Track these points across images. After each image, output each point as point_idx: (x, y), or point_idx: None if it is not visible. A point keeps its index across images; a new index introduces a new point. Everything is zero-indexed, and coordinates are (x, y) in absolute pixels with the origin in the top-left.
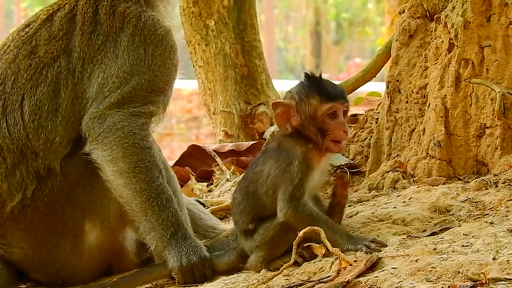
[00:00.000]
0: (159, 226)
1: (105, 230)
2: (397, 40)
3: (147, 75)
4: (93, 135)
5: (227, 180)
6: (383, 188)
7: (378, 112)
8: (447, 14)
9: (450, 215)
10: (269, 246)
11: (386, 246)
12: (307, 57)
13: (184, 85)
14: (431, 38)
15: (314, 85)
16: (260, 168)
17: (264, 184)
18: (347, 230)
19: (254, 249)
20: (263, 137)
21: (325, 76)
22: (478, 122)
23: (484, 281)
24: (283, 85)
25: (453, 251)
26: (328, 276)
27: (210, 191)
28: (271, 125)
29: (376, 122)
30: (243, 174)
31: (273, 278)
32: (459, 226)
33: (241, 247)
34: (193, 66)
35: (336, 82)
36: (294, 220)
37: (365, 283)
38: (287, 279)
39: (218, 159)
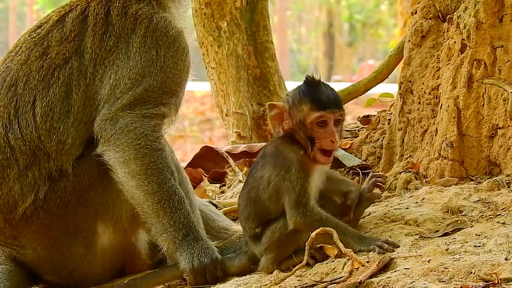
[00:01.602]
0: (171, 227)
1: (117, 232)
2: (409, 41)
3: (159, 76)
4: (105, 136)
5: (240, 181)
6: (395, 189)
7: (391, 113)
8: (460, 15)
9: (462, 215)
10: (277, 247)
11: (399, 246)
12: (320, 59)
13: (197, 87)
14: (444, 39)
15: (308, 90)
16: (260, 173)
17: (266, 190)
18: (358, 232)
19: (264, 252)
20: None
21: (337, 78)
22: (490, 122)
23: (496, 281)
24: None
25: (466, 252)
26: (341, 277)
27: (222, 192)
28: None
29: (389, 123)
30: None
31: (285, 279)
32: (472, 226)
33: (251, 251)
34: (206, 67)
35: (348, 84)
36: (304, 226)
37: (377, 283)
38: (299, 280)
39: (230, 160)
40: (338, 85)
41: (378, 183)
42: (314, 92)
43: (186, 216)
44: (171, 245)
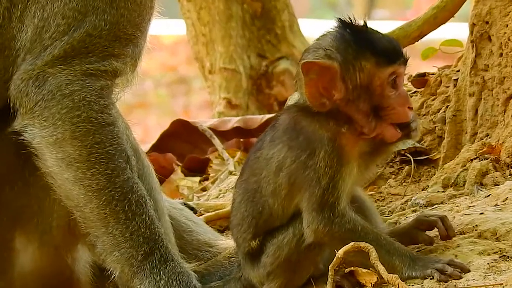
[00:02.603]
0: (126, 242)
1: (45, 248)
2: None
3: (109, 14)
4: (27, 104)
5: (230, 173)
6: (464, 185)
7: (458, 71)
8: None
9: None
10: (285, 271)
11: (469, 271)
12: None
13: (166, 30)
14: None
15: (363, 38)
16: (266, 152)
17: (272, 180)
18: (409, 250)
19: (265, 279)
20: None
21: (380, 14)
22: None
23: None
24: (318, 29)
25: None
26: None
27: (204, 189)
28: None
29: (455, 86)
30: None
31: None
32: None
33: (247, 277)
34: (179, 0)
35: (397, 25)
36: (330, 238)
37: None
38: None
39: (216, 141)
40: (380, 26)
41: (439, 228)
42: (371, 39)
43: (148, 225)
44: (127, 269)
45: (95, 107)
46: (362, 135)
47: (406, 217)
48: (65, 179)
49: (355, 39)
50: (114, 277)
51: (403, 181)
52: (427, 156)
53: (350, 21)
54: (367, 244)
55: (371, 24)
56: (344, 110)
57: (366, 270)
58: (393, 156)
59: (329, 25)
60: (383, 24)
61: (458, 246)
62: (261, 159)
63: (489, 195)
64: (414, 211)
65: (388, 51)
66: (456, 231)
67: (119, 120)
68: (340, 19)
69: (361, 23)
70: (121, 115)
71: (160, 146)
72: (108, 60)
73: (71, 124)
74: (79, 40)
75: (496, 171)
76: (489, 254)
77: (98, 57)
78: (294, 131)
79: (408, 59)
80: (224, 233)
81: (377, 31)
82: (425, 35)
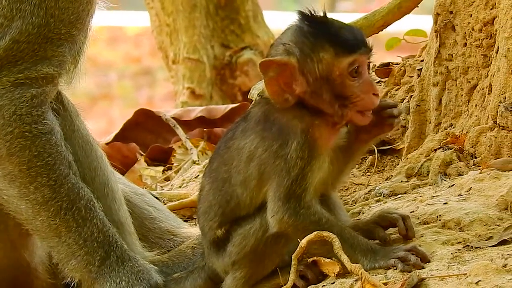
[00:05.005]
0: (81, 249)
1: (1, 244)
2: None
3: (37, 16)
4: None
5: (194, 162)
6: (428, 175)
7: (422, 61)
8: None
9: None
10: (251, 261)
11: (429, 261)
12: None
13: (130, 21)
14: None
15: (321, 30)
16: (238, 143)
17: (242, 169)
18: (371, 242)
19: (230, 268)
20: (249, 97)
21: (345, 6)
22: None
23: None
24: (283, 21)
25: None
26: None
27: (167, 179)
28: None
29: (419, 76)
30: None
31: None
32: None
33: (211, 265)
34: None
35: (361, 16)
36: (294, 229)
37: None
38: None
39: (180, 131)
40: (344, 17)
41: (399, 227)
42: (330, 29)
43: (101, 228)
44: (86, 276)
45: (27, 120)
46: (335, 125)
47: (370, 206)
48: (11, 195)
49: (313, 31)
50: (75, 284)
51: (366, 171)
52: (390, 146)
53: (310, 13)
54: (330, 233)
55: (335, 16)
56: (309, 103)
57: (329, 260)
58: None
59: (293, 17)
60: (347, 16)
61: (422, 236)
62: (233, 149)
63: (452, 185)
64: (377, 201)
65: (347, 41)
66: (419, 221)
67: (56, 125)
68: (299, 11)
69: (321, 14)
70: (54, 119)
71: (124, 135)
72: (40, 65)
73: (5, 142)
74: (6, 48)
75: (460, 161)
76: (452, 244)
77: (29, 63)
78: (268, 122)
79: (371, 48)
80: (188, 222)
81: (338, 21)
82: (389, 25)
